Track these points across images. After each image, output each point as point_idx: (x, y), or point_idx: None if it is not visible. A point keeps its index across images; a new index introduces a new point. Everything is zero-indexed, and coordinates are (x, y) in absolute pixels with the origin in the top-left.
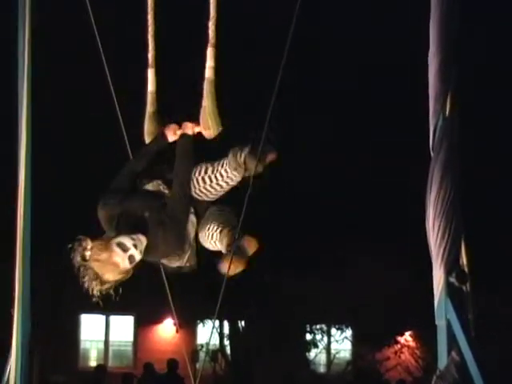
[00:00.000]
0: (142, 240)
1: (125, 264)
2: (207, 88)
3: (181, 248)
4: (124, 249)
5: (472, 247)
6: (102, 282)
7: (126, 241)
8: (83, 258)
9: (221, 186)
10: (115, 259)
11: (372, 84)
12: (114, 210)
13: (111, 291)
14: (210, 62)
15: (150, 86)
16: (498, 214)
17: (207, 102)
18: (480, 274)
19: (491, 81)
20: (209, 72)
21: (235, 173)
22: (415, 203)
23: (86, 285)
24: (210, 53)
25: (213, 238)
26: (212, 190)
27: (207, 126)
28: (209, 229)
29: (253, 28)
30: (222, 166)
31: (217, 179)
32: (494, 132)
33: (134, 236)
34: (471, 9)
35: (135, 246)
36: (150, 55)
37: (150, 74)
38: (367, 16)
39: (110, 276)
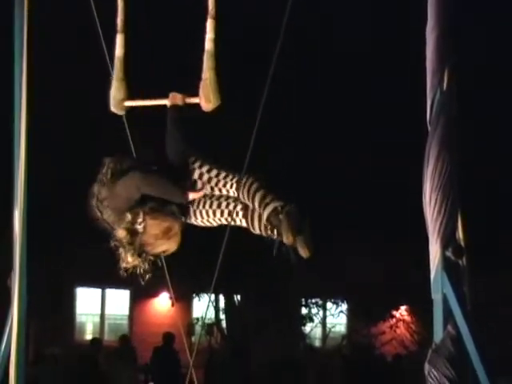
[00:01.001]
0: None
1: (180, 231)
2: (208, 60)
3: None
4: (178, 216)
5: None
6: (148, 254)
7: (175, 208)
8: (131, 231)
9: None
10: (175, 226)
11: (371, 83)
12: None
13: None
14: (210, 34)
15: (118, 50)
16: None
17: (208, 75)
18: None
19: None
20: (209, 44)
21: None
22: (412, 178)
23: (129, 264)
24: (209, 24)
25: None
26: (214, 223)
27: (208, 98)
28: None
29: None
30: (237, 213)
31: (230, 221)
32: (492, 114)
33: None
34: None
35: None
36: (119, 20)
37: (119, 39)
38: (367, 12)
39: (171, 245)
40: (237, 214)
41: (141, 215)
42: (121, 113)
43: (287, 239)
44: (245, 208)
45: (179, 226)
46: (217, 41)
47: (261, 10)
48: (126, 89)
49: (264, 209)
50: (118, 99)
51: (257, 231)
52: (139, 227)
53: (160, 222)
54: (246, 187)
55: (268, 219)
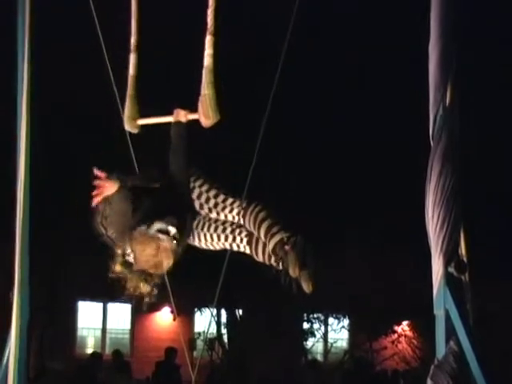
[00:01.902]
0: (173, 219)
1: (172, 245)
2: (207, 76)
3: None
4: (165, 232)
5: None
6: (153, 277)
7: (162, 224)
8: (126, 264)
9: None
10: (162, 244)
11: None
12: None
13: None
14: (208, 50)
15: (132, 70)
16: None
17: (208, 91)
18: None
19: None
20: (208, 60)
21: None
22: (415, 194)
23: (136, 291)
24: (208, 41)
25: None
26: (216, 247)
27: (207, 115)
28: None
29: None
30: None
31: (233, 246)
32: (494, 121)
33: (164, 219)
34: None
35: (172, 224)
36: (133, 39)
37: (133, 58)
38: (365, 10)
39: (164, 263)
40: (241, 241)
41: (128, 246)
42: (134, 131)
43: (293, 272)
44: (249, 235)
45: (168, 240)
46: (216, 57)
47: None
48: (138, 107)
49: (270, 239)
50: (131, 117)
51: (260, 259)
52: (130, 258)
53: (145, 246)
54: (253, 215)
55: (274, 250)
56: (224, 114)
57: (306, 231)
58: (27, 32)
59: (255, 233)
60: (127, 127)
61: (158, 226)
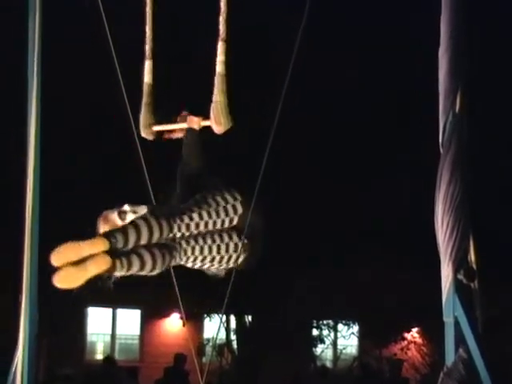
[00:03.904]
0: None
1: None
2: (219, 83)
3: None
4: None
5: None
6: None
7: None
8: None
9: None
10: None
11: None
12: None
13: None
14: (220, 57)
15: (147, 77)
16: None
17: (219, 98)
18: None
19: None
20: (220, 67)
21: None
22: (424, 203)
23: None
24: (220, 47)
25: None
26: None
27: (219, 121)
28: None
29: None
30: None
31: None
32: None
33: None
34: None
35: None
36: (148, 47)
37: (148, 65)
38: (375, 18)
39: None
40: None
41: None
42: (150, 138)
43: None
44: None
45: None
46: (227, 63)
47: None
48: (153, 114)
49: None
50: (146, 124)
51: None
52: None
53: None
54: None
55: None
56: (235, 120)
57: (320, 242)
58: (37, 46)
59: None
60: (143, 134)
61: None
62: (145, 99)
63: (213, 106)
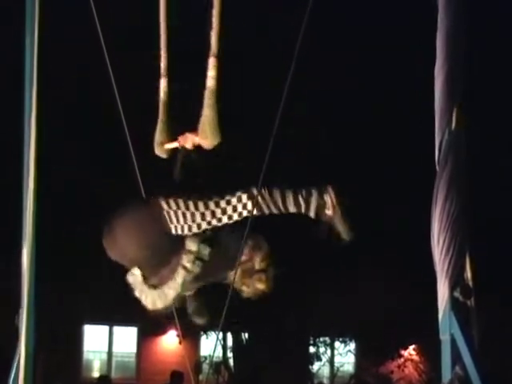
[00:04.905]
0: None
1: None
2: (208, 98)
3: None
4: None
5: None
6: None
7: None
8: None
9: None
10: None
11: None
12: None
13: None
14: (211, 72)
15: (163, 94)
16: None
17: (206, 112)
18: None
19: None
20: (210, 81)
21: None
22: (419, 217)
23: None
24: (211, 62)
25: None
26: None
27: (205, 135)
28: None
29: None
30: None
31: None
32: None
33: None
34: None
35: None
36: (163, 64)
37: (163, 83)
38: (372, 30)
39: None
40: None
41: None
42: (164, 156)
43: (328, 210)
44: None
45: None
46: (218, 79)
47: None
48: (167, 132)
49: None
50: (161, 143)
51: (275, 209)
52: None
53: None
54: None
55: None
56: (224, 136)
57: (315, 258)
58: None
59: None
60: (157, 152)
61: None
62: (161, 117)
63: (201, 120)
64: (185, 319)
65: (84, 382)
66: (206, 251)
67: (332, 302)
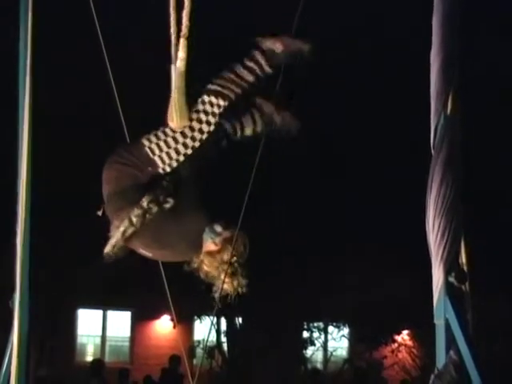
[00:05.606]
0: None
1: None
2: (176, 80)
3: None
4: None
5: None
6: None
7: None
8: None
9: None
10: None
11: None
12: None
13: None
14: (181, 53)
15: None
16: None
17: (174, 94)
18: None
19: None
20: (179, 63)
21: None
22: (414, 202)
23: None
24: (181, 44)
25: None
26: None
27: (171, 118)
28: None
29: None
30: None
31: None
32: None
33: None
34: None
35: None
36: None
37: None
38: (368, 19)
39: None
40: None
41: None
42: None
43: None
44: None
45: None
46: (188, 60)
47: None
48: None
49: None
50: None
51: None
52: None
53: None
54: None
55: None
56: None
57: (308, 243)
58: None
59: None
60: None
61: None
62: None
63: (170, 102)
64: (179, 303)
65: (78, 366)
66: (154, 209)
67: (326, 286)
